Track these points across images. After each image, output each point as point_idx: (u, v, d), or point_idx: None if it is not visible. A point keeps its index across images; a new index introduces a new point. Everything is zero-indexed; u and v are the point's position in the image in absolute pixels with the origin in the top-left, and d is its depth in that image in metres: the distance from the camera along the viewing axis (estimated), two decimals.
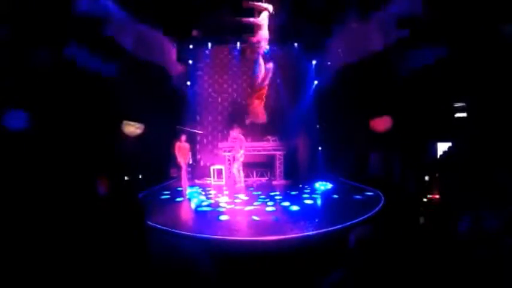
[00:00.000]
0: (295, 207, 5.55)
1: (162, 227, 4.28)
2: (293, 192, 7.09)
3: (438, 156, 6.57)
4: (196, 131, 9.19)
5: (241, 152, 7.46)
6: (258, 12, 6.19)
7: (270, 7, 6.17)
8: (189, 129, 8.09)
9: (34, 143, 5.22)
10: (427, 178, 5.95)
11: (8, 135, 5.17)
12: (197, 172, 9.31)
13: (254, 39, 6.23)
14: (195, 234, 4.12)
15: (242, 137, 7.47)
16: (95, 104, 6.36)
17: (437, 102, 6.56)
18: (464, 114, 6.58)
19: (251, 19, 6.16)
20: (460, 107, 6.63)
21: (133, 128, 8.03)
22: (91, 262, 0.78)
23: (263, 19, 6.13)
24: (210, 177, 8.80)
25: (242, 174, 7.71)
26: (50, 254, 0.79)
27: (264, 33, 6.20)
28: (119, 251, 0.82)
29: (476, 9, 5.02)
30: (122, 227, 0.88)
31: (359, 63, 7.12)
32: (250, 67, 9.54)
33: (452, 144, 6.41)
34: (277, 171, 8.75)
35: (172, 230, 4.19)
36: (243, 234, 4.11)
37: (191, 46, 9.40)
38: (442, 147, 6.68)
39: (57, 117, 5.64)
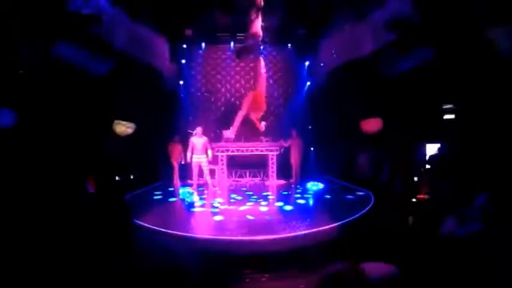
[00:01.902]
0: (288, 207, 5.60)
1: (154, 227, 4.26)
2: (285, 193, 7.15)
3: (427, 157, 6.72)
4: (192, 132, 9.16)
5: (210, 153, 7.15)
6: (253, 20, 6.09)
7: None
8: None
9: (21, 142, 5.13)
10: (415, 179, 6.08)
11: None
12: (190, 172, 9.28)
13: (250, 35, 6.06)
14: (188, 234, 4.12)
15: (205, 137, 7.15)
16: (86, 103, 6.27)
17: (426, 103, 6.70)
18: (452, 116, 6.74)
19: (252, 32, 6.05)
20: (448, 108, 6.79)
21: (124, 128, 7.95)
22: (78, 259, 0.78)
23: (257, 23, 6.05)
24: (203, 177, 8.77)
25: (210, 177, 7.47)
26: (36, 249, 0.79)
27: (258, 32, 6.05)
28: (105, 249, 0.83)
29: (464, 12, 5.14)
30: (108, 226, 0.88)
31: (350, 64, 7.22)
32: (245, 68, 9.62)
33: (441, 145, 6.56)
34: (270, 171, 8.79)
35: (165, 230, 4.18)
36: (236, 234, 4.12)
37: (184, 46, 9.36)
38: (431, 148, 6.83)
39: (46, 116, 5.54)
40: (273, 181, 8.64)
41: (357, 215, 4.82)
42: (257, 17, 5.82)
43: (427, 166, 6.39)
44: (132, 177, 8.20)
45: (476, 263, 1.32)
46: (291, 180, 8.47)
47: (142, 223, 4.44)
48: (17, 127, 5.29)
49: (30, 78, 5.40)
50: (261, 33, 5.95)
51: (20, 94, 5.33)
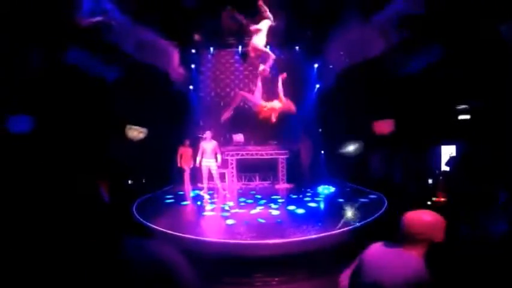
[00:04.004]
0: (298, 211, 5.53)
1: (166, 231, 4.29)
2: (294, 196, 7.07)
3: (443, 159, 6.53)
4: (202, 136, 9.25)
5: (219, 157, 7.16)
6: (261, 18, 6.03)
7: (272, 18, 5.98)
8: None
9: (36, 147, 5.27)
10: (430, 181, 5.90)
11: (10, 138, 5.23)
12: (200, 176, 9.33)
13: (253, 45, 5.96)
14: (199, 237, 4.12)
15: (215, 141, 7.18)
16: (98, 109, 6.41)
17: (440, 104, 6.53)
18: (467, 117, 6.54)
19: (253, 25, 5.98)
20: (463, 109, 6.59)
21: (136, 132, 8.09)
22: (75, 265, 0.76)
23: (264, 26, 5.96)
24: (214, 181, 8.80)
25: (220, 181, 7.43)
26: (45, 253, 0.78)
27: (261, 39, 5.93)
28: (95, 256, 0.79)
29: (477, 9, 5.01)
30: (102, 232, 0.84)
31: (360, 65, 7.13)
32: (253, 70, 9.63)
33: (456, 146, 6.37)
34: (280, 175, 8.73)
35: (177, 234, 4.20)
36: (247, 238, 4.10)
37: (193, 50, 9.48)
38: (446, 149, 6.63)
39: (59, 122, 5.69)
40: (283, 185, 8.57)
41: (369, 219, 4.71)
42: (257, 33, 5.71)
43: (444, 168, 6.19)
44: (144, 181, 8.30)
45: (495, 266, 1.25)
46: (300, 184, 8.38)
47: (154, 226, 4.48)
48: (32, 132, 5.45)
49: (45, 85, 5.57)
50: (263, 46, 5.81)
51: (35, 100, 5.50)
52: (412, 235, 1.35)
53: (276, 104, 5.71)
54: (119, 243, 0.86)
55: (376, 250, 1.44)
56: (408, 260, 1.32)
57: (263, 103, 5.70)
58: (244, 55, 5.70)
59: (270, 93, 6.78)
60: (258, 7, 5.63)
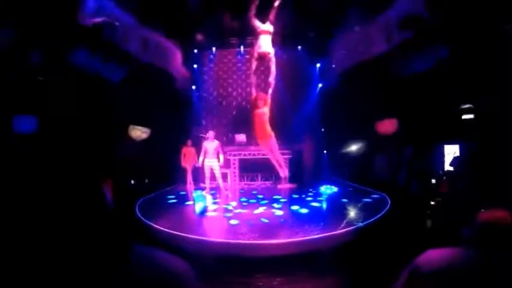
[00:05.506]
0: (302, 211, 5.53)
1: (169, 231, 4.30)
2: (295, 196, 7.05)
3: (446, 158, 6.49)
4: (204, 136, 9.26)
5: (221, 157, 7.14)
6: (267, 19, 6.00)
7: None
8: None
9: (40, 147, 5.31)
10: (433, 181, 5.87)
11: (16, 139, 5.28)
12: (202, 176, 9.34)
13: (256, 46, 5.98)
14: (202, 237, 4.13)
15: (217, 141, 7.18)
16: (101, 109, 6.45)
17: (444, 103, 6.49)
18: (471, 116, 6.49)
19: (259, 23, 5.96)
20: (467, 108, 6.54)
21: (139, 132, 8.12)
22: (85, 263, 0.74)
23: (270, 29, 5.93)
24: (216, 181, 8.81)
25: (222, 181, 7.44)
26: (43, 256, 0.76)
27: (269, 42, 5.93)
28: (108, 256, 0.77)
29: (482, 9, 4.97)
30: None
31: (363, 65, 7.09)
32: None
33: (460, 146, 6.33)
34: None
35: (180, 234, 4.21)
36: (249, 238, 4.10)
37: (196, 50, 9.49)
38: (449, 149, 6.59)
39: (62, 122, 5.73)
40: (285, 185, 8.56)
41: (372, 219, 4.70)
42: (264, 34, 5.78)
43: (448, 168, 6.15)
44: (146, 181, 8.34)
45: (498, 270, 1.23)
46: (303, 184, 8.36)
47: (157, 226, 4.50)
48: (36, 132, 5.49)
49: (49, 85, 5.61)
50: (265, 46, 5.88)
51: (40, 100, 5.54)
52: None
53: (266, 110, 5.99)
54: (127, 251, 0.84)
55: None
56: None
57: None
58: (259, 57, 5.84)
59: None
60: (273, 7, 5.64)
